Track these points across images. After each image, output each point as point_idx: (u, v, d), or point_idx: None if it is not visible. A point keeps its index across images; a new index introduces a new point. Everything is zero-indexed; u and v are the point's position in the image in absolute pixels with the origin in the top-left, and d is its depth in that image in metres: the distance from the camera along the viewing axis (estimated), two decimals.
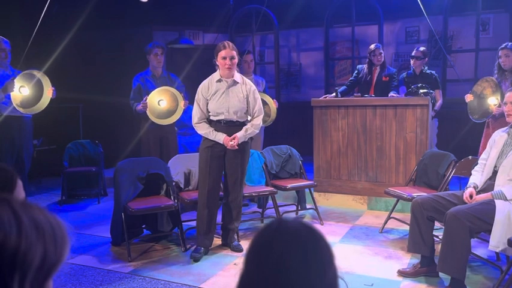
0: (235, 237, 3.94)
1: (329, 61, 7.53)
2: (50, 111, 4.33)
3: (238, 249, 3.80)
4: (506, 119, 3.21)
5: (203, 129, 3.68)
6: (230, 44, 3.65)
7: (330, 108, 5.11)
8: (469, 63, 6.58)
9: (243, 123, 3.73)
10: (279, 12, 7.21)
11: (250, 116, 3.76)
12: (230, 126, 3.67)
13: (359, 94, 5.22)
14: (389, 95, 5.04)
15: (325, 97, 5.28)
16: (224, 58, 3.57)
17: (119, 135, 6.35)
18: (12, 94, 4.04)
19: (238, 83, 3.68)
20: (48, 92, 4.19)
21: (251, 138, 3.82)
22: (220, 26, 7.47)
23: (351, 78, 5.56)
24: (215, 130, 3.66)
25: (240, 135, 3.65)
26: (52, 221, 0.75)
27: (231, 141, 3.61)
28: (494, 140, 3.28)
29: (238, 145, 3.64)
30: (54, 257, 0.73)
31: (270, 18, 7.35)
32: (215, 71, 3.72)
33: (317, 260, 0.91)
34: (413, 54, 5.20)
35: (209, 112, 3.70)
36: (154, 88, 4.54)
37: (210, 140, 3.66)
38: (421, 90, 4.75)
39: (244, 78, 3.79)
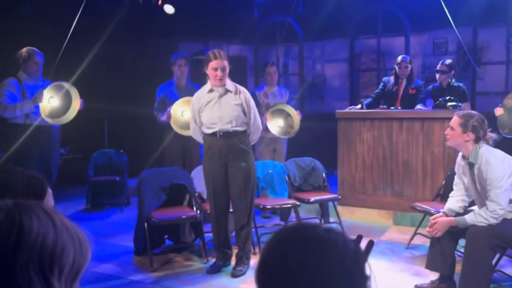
0: (244, 259, 3.56)
1: (354, 73, 7.46)
2: (76, 120, 4.40)
3: (234, 274, 3.46)
4: None
5: (195, 136, 3.69)
6: (221, 53, 3.42)
7: (355, 120, 5.03)
8: (500, 75, 6.41)
9: (243, 133, 3.50)
10: (304, 23, 7.20)
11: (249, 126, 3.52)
12: (227, 138, 3.44)
13: (385, 106, 5.13)
14: (416, 108, 4.94)
15: (350, 109, 5.22)
16: (215, 69, 3.37)
17: (143, 145, 6.41)
18: (41, 105, 4.12)
19: (230, 91, 3.48)
20: (76, 104, 4.27)
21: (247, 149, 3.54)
22: (245, 38, 7.50)
23: (376, 91, 5.47)
24: (211, 144, 3.48)
25: None
26: (76, 227, 0.79)
27: None
28: None
29: (239, 157, 3.45)
30: (80, 259, 0.76)
31: (295, 29, 7.36)
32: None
33: (338, 276, 0.81)
34: (438, 68, 5.06)
35: (203, 124, 3.53)
36: (178, 99, 4.58)
37: (208, 152, 3.52)
38: (450, 103, 4.62)
39: (238, 86, 3.56)
